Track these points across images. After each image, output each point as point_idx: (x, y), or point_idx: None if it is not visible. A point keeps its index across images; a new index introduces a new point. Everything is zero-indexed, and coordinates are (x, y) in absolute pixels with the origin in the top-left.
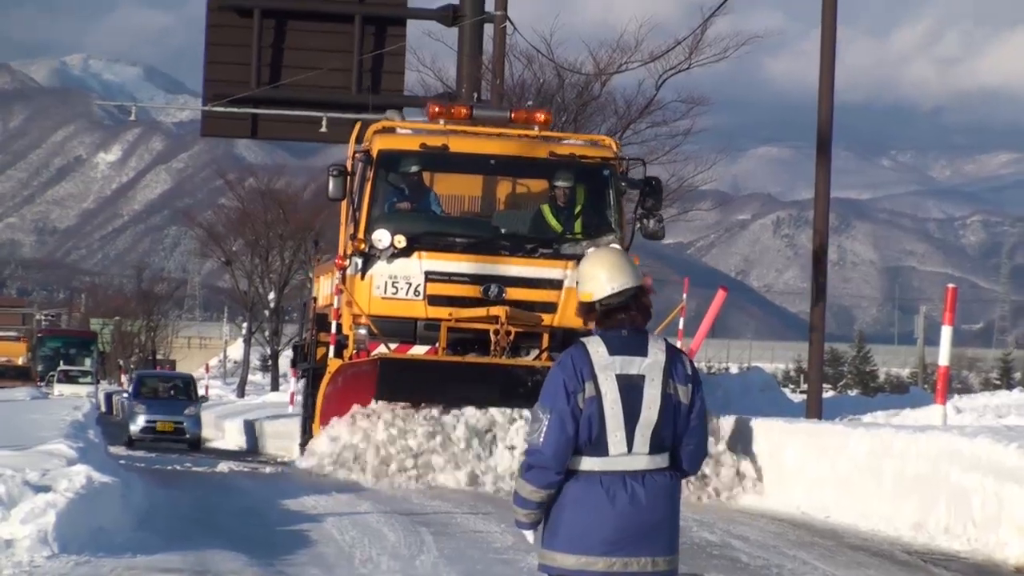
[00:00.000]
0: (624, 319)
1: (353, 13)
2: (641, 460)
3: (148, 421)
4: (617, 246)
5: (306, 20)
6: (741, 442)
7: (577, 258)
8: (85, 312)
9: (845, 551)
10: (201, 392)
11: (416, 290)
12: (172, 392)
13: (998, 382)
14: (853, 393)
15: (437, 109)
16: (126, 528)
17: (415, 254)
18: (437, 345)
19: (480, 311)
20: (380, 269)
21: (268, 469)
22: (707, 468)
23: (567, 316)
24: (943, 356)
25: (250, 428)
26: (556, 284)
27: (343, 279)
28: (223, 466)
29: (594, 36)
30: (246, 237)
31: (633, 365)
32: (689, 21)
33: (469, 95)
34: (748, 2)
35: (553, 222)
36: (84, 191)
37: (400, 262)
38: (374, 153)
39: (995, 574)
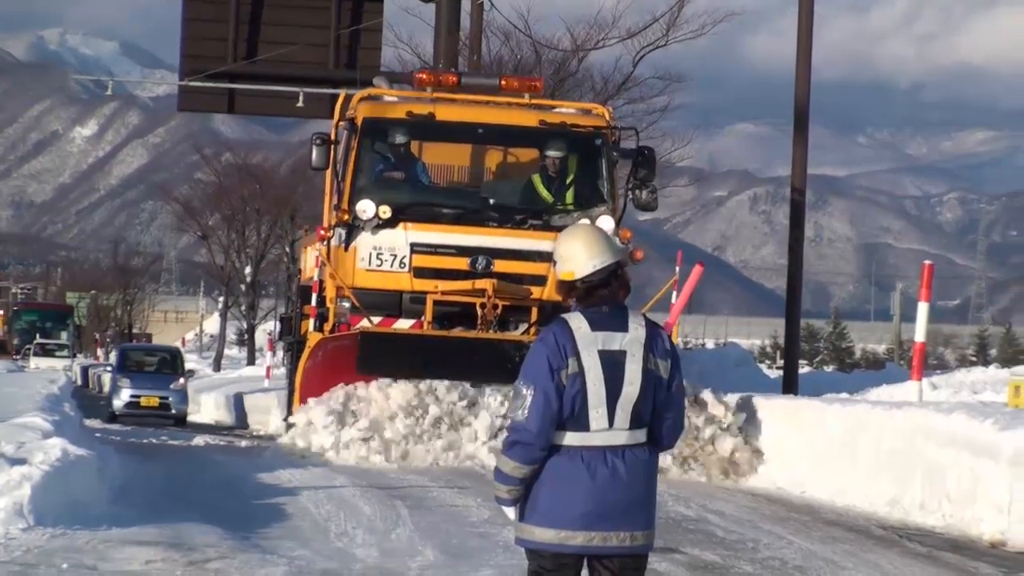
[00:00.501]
0: (606, 295)
1: None
2: (622, 435)
3: (132, 396)
4: (587, 221)
5: None
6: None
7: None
8: (61, 286)
9: (820, 526)
10: (188, 366)
11: (401, 262)
12: (157, 366)
13: (974, 359)
14: (829, 369)
15: (425, 77)
16: (101, 501)
17: (400, 225)
18: (423, 319)
19: (466, 284)
20: (364, 240)
21: (244, 443)
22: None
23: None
24: (919, 332)
25: (239, 402)
26: (546, 256)
27: (327, 251)
28: (199, 440)
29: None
30: (222, 212)
31: (615, 341)
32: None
33: (447, 70)
34: None
35: (544, 192)
36: (61, 165)
37: (385, 233)
38: (359, 121)
39: (970, 549)
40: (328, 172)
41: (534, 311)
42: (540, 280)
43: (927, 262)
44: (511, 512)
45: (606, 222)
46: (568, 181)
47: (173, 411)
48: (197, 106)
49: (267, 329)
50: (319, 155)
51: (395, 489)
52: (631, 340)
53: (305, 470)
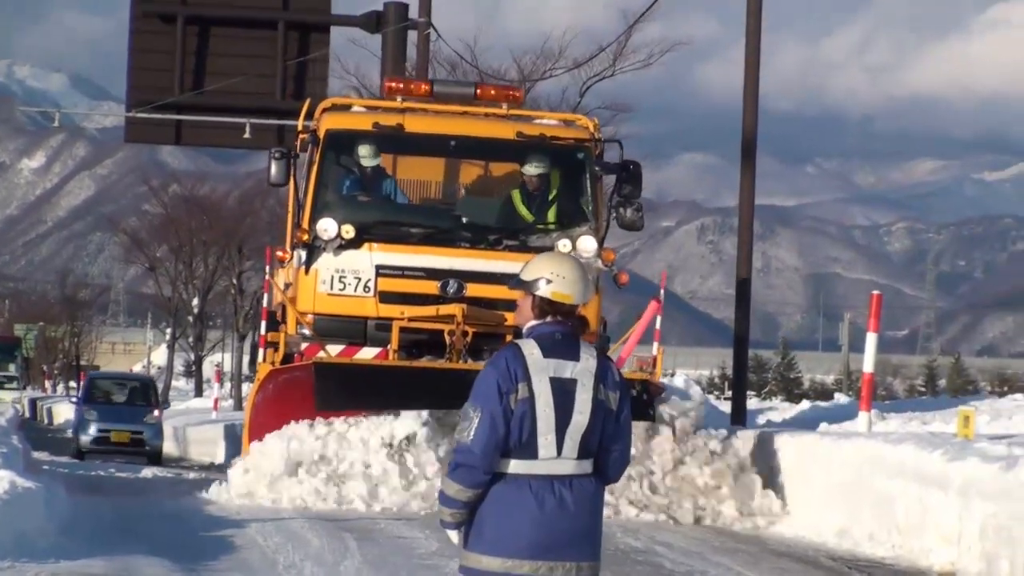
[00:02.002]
0: (571, 322)
1: (277, 19)
2: (569, 465)
3: (101, 430)
4: (566, 247)
5: (230, 27)
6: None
7: (546, 250)
8: (9, 317)
9: (769, 557)
10: (165, 399)
11: (366, 286)
12: (129, 396)
13: (923, 389)
14: (777, 400)
15: (394, 85)
16: (49, 534)
17: (365, 246)
18: (389, 347)
19: (437, 308)
20: (326, 262)
21: (192, 475)
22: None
23: None
24: (868, 363)
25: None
26: None
27: (290, 273)
28: (147, 472)
29: (519, 43)
30: (170, 243)
31: (566, 369)
32: (618, 28)
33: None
34: (680, 9)
35: (523, 211)
36: (7, 197)
37: (348, 254)
38: (321, 133)
39: None
40: (290, 189)
41: (508, 339)
42: (515, 306)
43: (875, 292)
44: (455, 536)
45: (588, 242)
46: (548, 198)
47: (147, 447)
48: (144, 138)
49: (214, 361)
50: (278, 170)
51: (343, 521)
52: (582, 370)
53: (254, 502)
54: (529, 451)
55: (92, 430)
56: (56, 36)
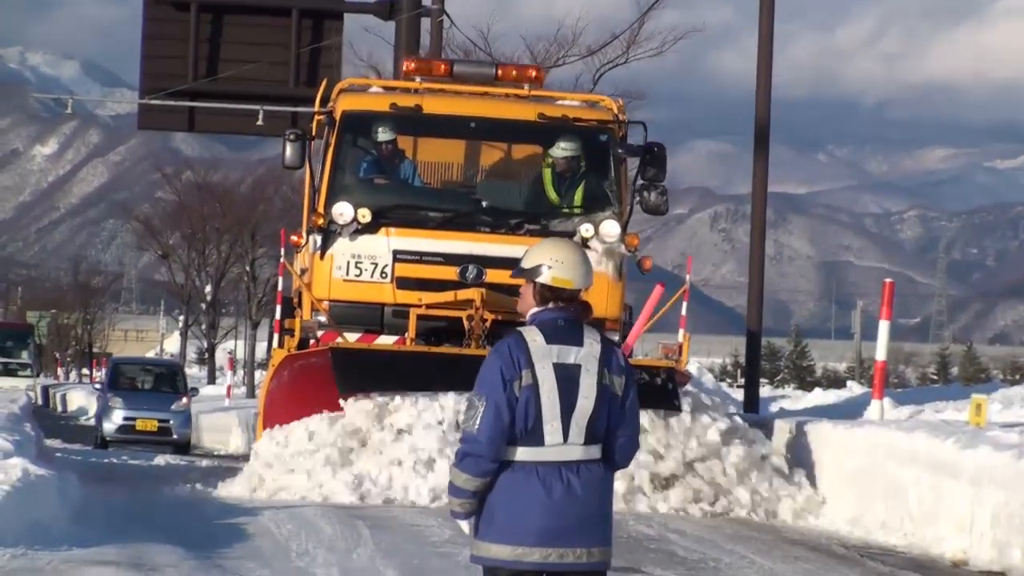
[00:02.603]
0: (574, 308)
1: (290, 7)
2: (576, 450)
3: (126, 418)
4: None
5: (243, 14)
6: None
7: (568, 235)
8: (22, 305)
9: (782, 545)
10: (193, 385)
11: (383, 272)
12: (155, 383)
13: (935, 377)
14: (789, 388)
15: (413, 65)
16: (62, 521)
17: (382, 230)
18: (407, 335)
19: (455, 293)
20: (341, 247)
21: (205, 462)
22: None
23: None
24: (880, 351)
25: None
26: None
27: (306, 258)
28: (159, 459)
29: (532, 30)
30: (183, 231)
31: (570, 355)
32: (631, 16)
33: None
34: None
35: (548, 195)
36: (20, 184)
37: (364, 239)
38: (337, 115)
39: (932, 569)
40: (306, 172)
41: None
42: None
43: (887, 280)
44: (466, 525)
45: (612, 227)
46: (570, 181)
47: (174, 435)
48: (157, 124)
49: (227, 348)
50: (293, 152)
51: (356, 509)
52: (586, 355)
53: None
54: (535, 438)
55: (117, 418)
56: (69, 23)
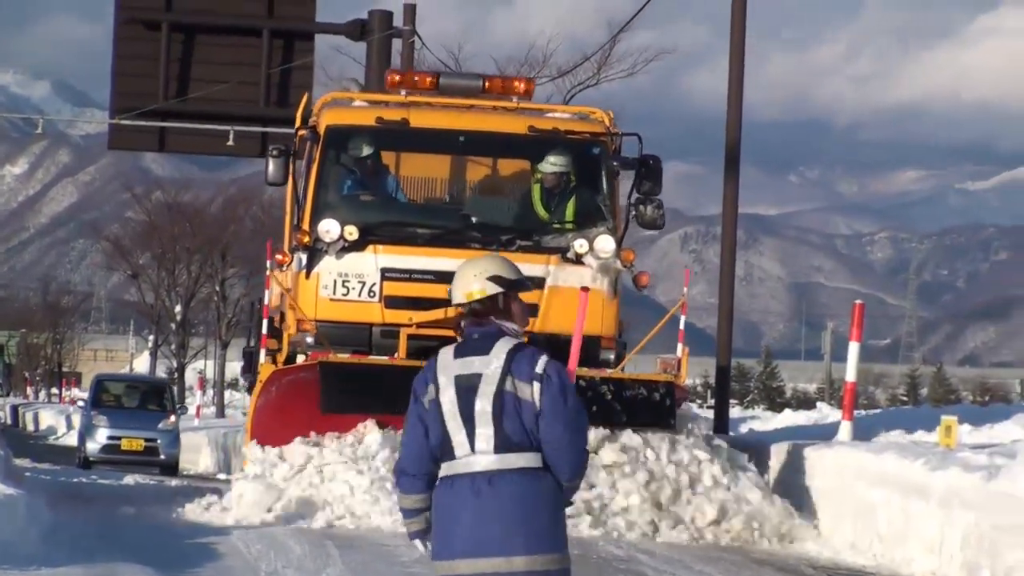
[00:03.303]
0: (481, 323)
1: (261, 27)
2: (486, 460)
3: (111, 437)
4: (488, 255)
5: (214, 34)
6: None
7: (562, 251)
8: None
9: (751, 566)
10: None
11: (371, 291)
12: (141, 400)
13: (905, 398)
14: (759, 409)
15: (397, 77)
16: (31, 541)
17: (369, 248)
18: (396, 355)
19: (449, 311)
20: (328, 266)
21: (174, 482)
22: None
23: (551, 319)
24: (850, 372)
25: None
26: (537, 282)
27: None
28: (129, 479)
29: (503, 51)
30: (153, 251)
31: (473, 365)
32: (603, 37)
33: None
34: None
35: (540, 210)
36: None
37: (351, 257)
38: (321, 129)
39: None
40: (290, 189)
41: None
42: (531, 310)
43: (858, 301)
44: (420, 547)
45: (606, 242)
46: (562, 196)
47: (162, 456)
48: (128, 144)
49: (197, 368)
50: (276, 168)
51: (325, 529)
52: (488, 361)
53: (235, 509)
54: (448, 452)
55: (101, 437)
56: (40, 43)
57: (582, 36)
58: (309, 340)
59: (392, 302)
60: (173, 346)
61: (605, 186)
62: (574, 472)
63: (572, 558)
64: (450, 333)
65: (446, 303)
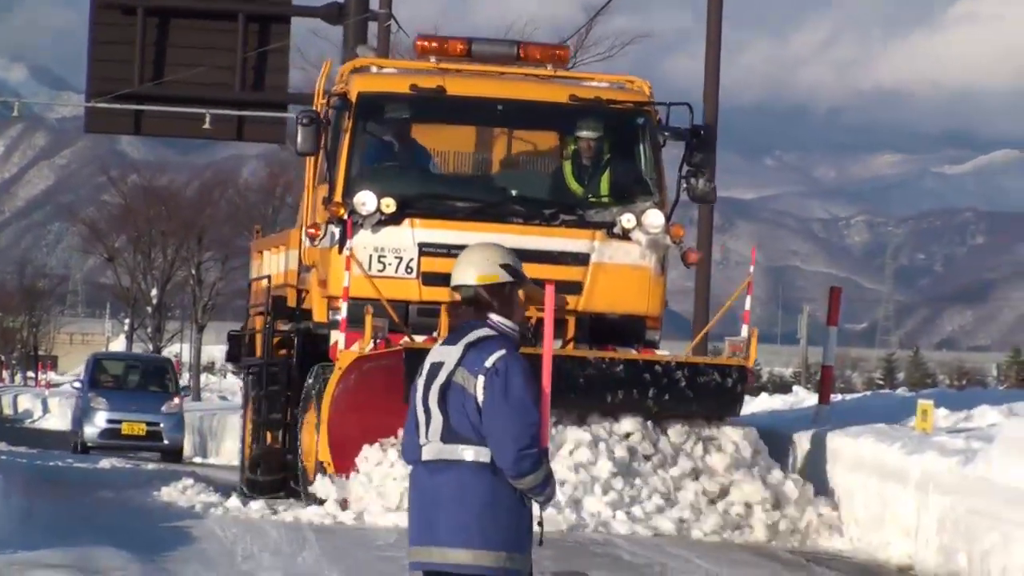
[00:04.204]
0: (463, 312)
1: (237, 11)
2: (433, 448)
3: (110, 421)
4: (485, 244)
5: (190, 18)
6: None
7: (607, 226)
8: None
9: (726, 550)
10: (183, 382)
11: (408, 266)
12: (142, 381)
13: (881, 382)
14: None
15: (427, 44)
16: (7, 524)
17: (406, 221)
18: (435, 335)
19: None
20: (363, 240)
21: (151, 466)
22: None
23: (596, 297)
24: (827, 356)
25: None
26: (581, 259)
27: (307, 254)
28: (105, 463)
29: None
30: (129, 234)
31: (443, 354)
32: (581, 20)
33: None
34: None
35: (574, 183)
36: None
37: (388, 231)
38: (352, 96)
39: (878, 574)
40: (308, 162)
41: (571, 324)
42: (575, 287)
43: (835, 286)
44: None
45: (655, 216)
46: (607, 168)
47: (165, 440)
48: (104, 128)
49: (173, 352)
50: (306, 138)
51: (302, 514)
52: (449, 352)
53: (213, 494)
54: (418, 435)
55: (99, 421)
56: (17, 27)
57: (560, 19)
58: (337, 318)
59: (430, 279)
60: (149, 329)
61: (651, 158)
62: (514, 471)
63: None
64: None
65: None
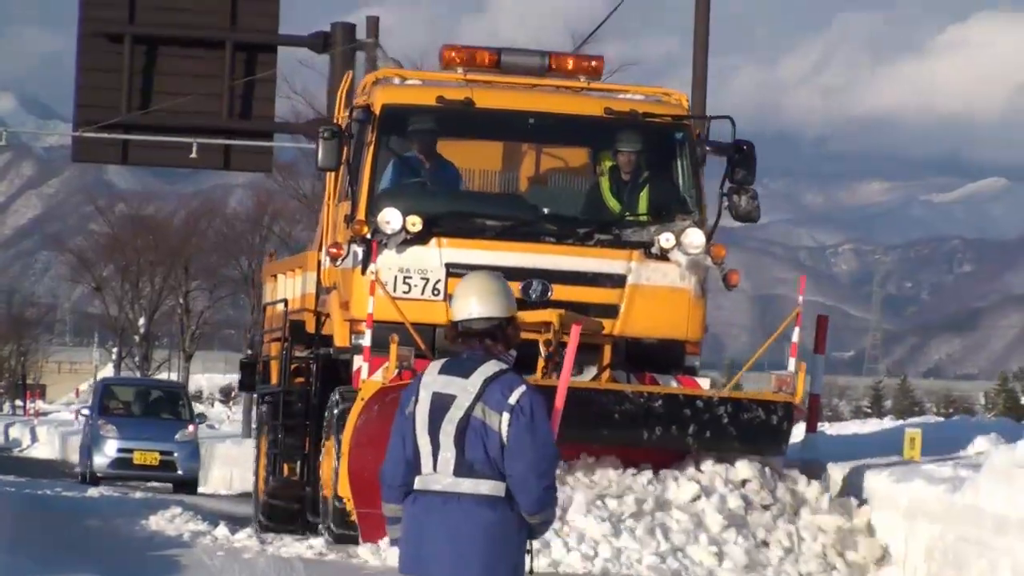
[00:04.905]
0: (477, 344)
1: (224, 39)
2: (445, 481)
3: (121, 450)
4: (497, 274)
5: (177, 46)
6: None
7: (645, 246)
8: None
9: None
10: (199, 409)
11: (434, 288)
12: (154, 408)
13: (869, 410)
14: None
15: (454, 54)
16: None
17: (433, 240)
18: None
19: (525, 314)
20: (387, 260)
21: (139, 494)
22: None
23: (633, 321)
24: (815, 384)
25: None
26: (617, 280)
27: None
28: (93, 491)
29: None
30: (116, 263)
31: (452, 386)
32: (567, 47)
33: None
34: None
35: (612, 201)
36: None
37: (413, 251)
38: (376, 109)
39: None
40: (330, 176)
41: (607, 350)
42: (611, 310)
43: (822, 314)
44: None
45: (696, 236)
46: (643, 185)
47: (179, 471)
48: (91, 157)
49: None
50: (327, 152)
51: (290, 545)
52: (464, 385)
53: (201, 522)
54: (417, 466)
55: (110, 449)
56: (4, 56)
57: (548, 46)
58: (362, 342)
59: None
60: (137, 358)
61: (691, 174)
62: (536, 507)
63: None
64: (531, 336)
65: (519, 303)
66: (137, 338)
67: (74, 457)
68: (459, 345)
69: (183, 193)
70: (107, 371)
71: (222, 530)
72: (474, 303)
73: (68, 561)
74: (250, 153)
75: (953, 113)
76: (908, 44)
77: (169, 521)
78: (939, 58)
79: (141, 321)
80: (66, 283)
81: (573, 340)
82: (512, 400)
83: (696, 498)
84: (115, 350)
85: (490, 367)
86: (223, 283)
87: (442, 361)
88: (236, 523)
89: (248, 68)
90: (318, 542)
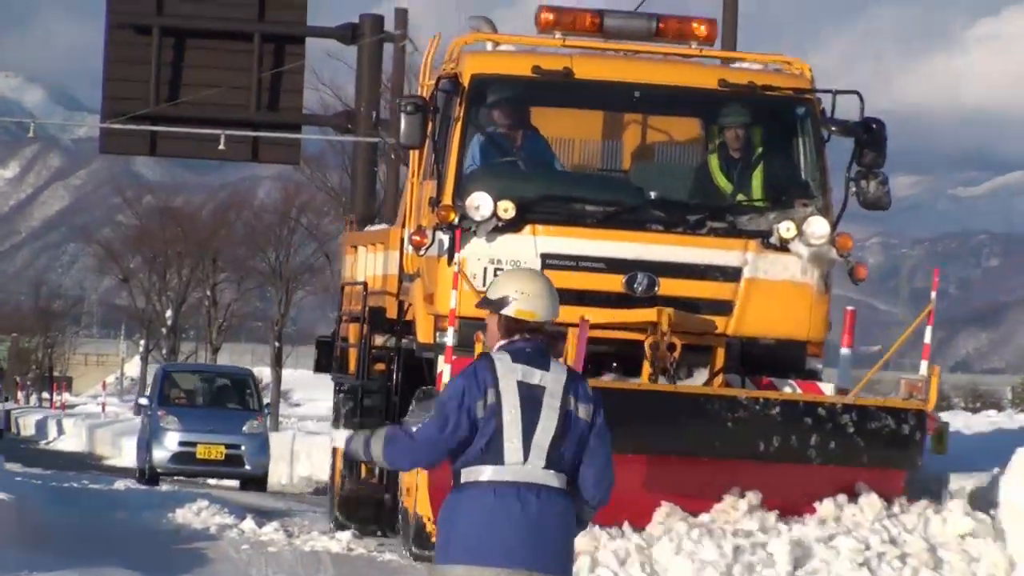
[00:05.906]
0: (541, 338)
1: (252, 31)
2: (536, 472)
3: (183, 443)
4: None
5: (205, 38)
6: None
7: (762, 235)
8: None
9: None
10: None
11: None
12: (220, 397)
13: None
14: None
15: (552, 16)
16: (21, 545)
17: (527, 228)
18: (563, 361)
19: (626, 314)
20: (476, 250)
21: (164, 487)
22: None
23: (749, 319)
24: (842, 378)
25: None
26: (732, 274)
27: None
28: (120, 484)
29: None
30: (144, 254)
31: (534, 376)
32: None
33: (368, 114)
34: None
35: (723, 184)
36: None
37: (505, 239)
38: (465, 79)
39: None
40: (412, 155)
41: (719, 352)
42: (724, 307)
43: (849, 308)
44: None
45: (819, 225)
46: (760, 167)
47: (247, 466)
48: (119, 148)
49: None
50: (410, 128)
51: (318, 539)
52: (552, 378)
53: (228, 515)
54: (496, 456)
55: (171, 443)
56: (31, 47)
57: None
58: (447, 340)
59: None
60: (164, 351)
61: (815, 155)
62: (607, 498)
63: None
64: (635, 336)
65: (624, 298)
66: (164, 330)
67: (100, 449)
68: (516, 338)
69: (211, 185)
70: (134, 363)
71: (249, 523)
72: (555, 305)
73: (93, 554)
74: (278, 145)
75: (981, 107)
76: (938, 38)
77: (195, 514)
78: (969, 52)
79: (168, 313)
80: (93, 275)
81: (582, 336)
82: (591, 393)
83: None
84: (142, 343)
85: (559, 363)
86: (251, 275)
87: (504, 353)
88: (263, 516)
89: (276, 60)
90: (345, 536)
